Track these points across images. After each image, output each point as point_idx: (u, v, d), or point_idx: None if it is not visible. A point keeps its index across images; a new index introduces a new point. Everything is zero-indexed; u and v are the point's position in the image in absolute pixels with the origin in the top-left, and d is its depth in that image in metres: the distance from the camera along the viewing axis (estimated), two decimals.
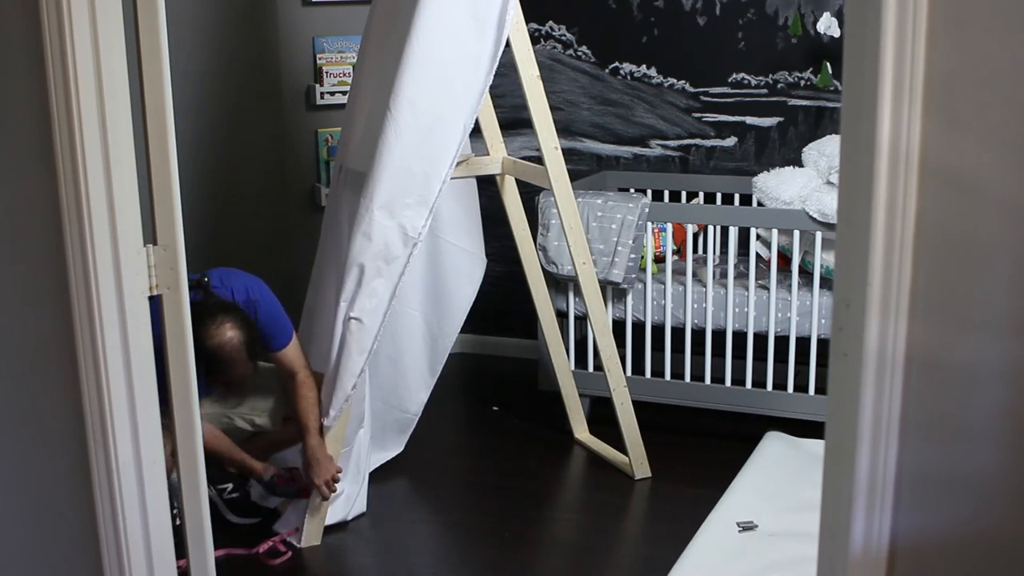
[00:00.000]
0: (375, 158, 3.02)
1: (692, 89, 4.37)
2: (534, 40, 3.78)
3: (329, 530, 3.25)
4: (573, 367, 3.97)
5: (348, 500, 3.33)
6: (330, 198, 3.53)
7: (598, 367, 3.76)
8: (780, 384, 3.78)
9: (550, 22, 4.52)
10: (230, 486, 3.32)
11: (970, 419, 1.42)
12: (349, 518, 3.35)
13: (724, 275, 3.85)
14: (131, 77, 1.97)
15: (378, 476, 3.58)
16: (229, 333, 2.94)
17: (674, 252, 4.13)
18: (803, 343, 3.76)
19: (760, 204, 3.85)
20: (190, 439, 2.19)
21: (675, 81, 4.39)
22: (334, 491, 3.17)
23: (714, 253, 4.10)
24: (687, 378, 3.88)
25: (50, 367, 2.05)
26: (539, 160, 3.40)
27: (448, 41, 3.01)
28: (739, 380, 3.84)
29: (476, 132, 3.65)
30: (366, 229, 3.03)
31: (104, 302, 1.96)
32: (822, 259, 3.63)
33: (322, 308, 3.37)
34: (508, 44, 3.24)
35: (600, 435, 3.91)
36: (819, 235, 3.60)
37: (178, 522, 2.48)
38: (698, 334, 3.89)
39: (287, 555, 3.15)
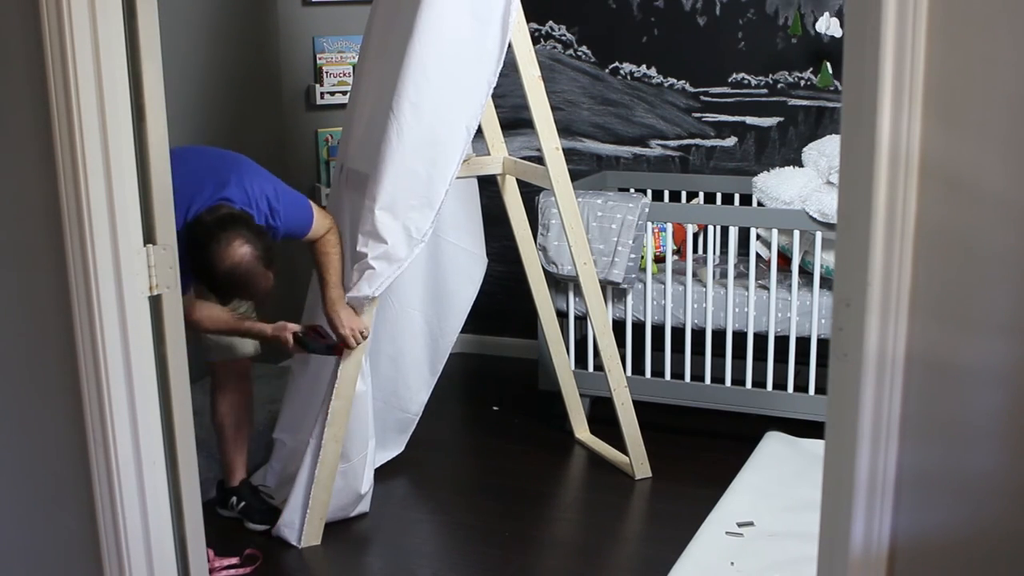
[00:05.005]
0: (378, 159, 3.02)
1: (692, 89, 4.37)
2: (534, 40, 3.78)
3: (329, 530, 3.25)
4: (573, 367, 3.97)
5: (351, 497, 3.33)
6: (331, 198, 3.52)
7: (598, 367, 3.76)
8: (780, 384, 3.77)
9: (550, 22, 4.52)
10: (234, 499, 3.32)
11: (970, 419, 1.42)
12: (352, 515, 3.36)
13: (724, 275, 3.85)
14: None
15: (378, 476, 3.57)
16: (240, 250, 2.71)
17: (674, 252, 4.13)
18: (803, 343, 3.76)
19: (760, 204, 3.85)
20: (187, 439, 2.19)
21: (675, 81, 4.39)
22: (360, 342, 3.09)
23: (714, 253, 4.10)
24: (687, 378, 3.88)
25: (50, 367, 2.05)
26: (539, 160, 3.40)
27: (451, 43, 3.01)
28: (739, 380, 3.84)
29: (477, 132, 3.64)
30: (369, 229, 3.04)
31: (104, 302, 1.96)
32: (822, 259, 3.63)
33: (321, 308, 3.37)
34: (508, 44, 3.23)
35: (600, 435, 3.91)
36: (819, 235, 3.60)
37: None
38: (698, 334, 3.89)
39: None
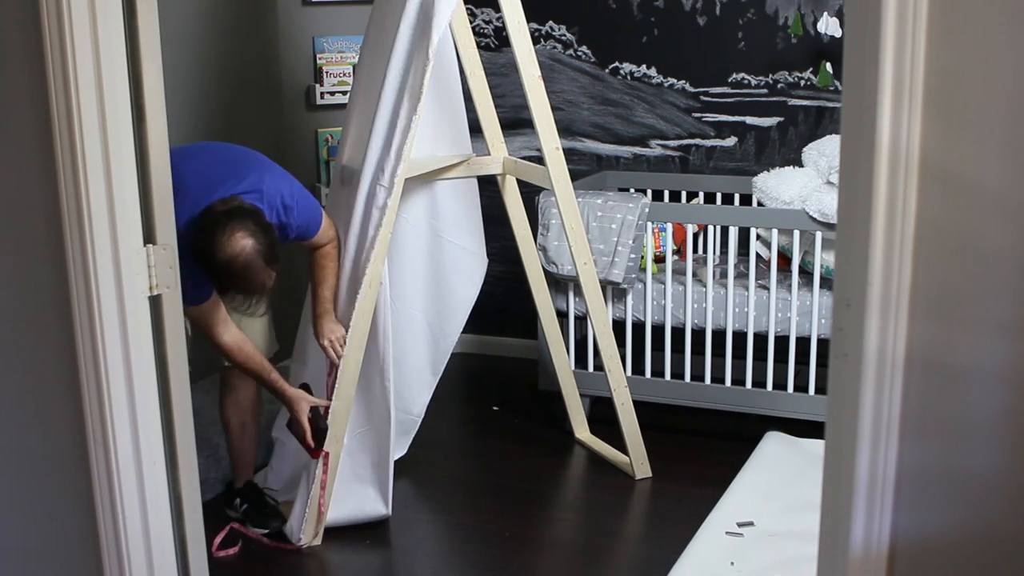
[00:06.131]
0: (365, 153, 3.11)
1: (692, 89, 4.37)
2: (534, 40, 3.79)
3: (329, 530, 3.25)
4: (573, 367, 3.97)
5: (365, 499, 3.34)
6: (330, 198, 3.53)
7: (598, 367, 3.76)
8: (780, 384, 3.77)
9: (550, 22, 4.52)
10: (237, 501, 3.32)
11: (970, 419, 1.42)
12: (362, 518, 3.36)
13: (724, 275, 3.85)
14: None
15: None
16: (241, 242, 2.71)
17: (674, 252, 4.13)
18: (803, 343, 3.76)
19: (760, 204, 3.85)
20: (187, 439, 2.19)
21: (675, 81, 4.39)
22: (340, 354, 3.13)
23: (714, 253, 4.10)
24: (687, 378, 3.88)
25: (50, 367, 2.05)
26: (540, 160, 3.40)
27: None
28: (739, 380, 3.84)
29: (477, 132, 3.65)
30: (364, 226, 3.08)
31: (104, 302, 1.96)
32: (822, 259, 3.63)
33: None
34: (509, 44, 3.25)
35: (600, 435, 3.91)
36: (819, 235, 3.60)
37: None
38: (698, 334, 3.89)
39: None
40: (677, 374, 3.93)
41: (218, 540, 3.15)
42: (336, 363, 3.15)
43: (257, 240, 2.75)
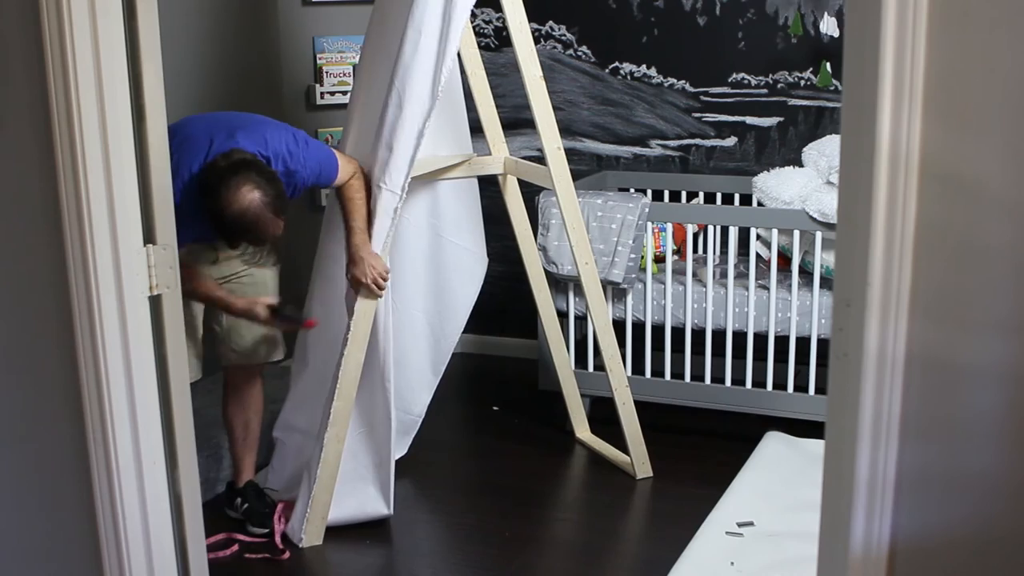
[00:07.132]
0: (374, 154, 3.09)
1: (692, 89, 4.37)
2: (534, 40, 3.78)
3: (330, 530, 3.25)
4: (574, 367, 3.97)
5: (366, 499, 3.34)
6: (330, 197, 3.52)
7: (599, 367, 3.76)
8: (780, 384, 3.77)
9: (550, 22, 4.52)
10: (238, 500, 3.32)
11: (970, 419, 1.42)
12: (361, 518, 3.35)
13: (724, 275, 3.85)
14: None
15: None
16: (248, 196, 2.72)
17: (674, 252, 4.13)
18: (803, 343, 3.76)
19: (760, 204, 3.85)
20: (187, 439, 2.19)
21: (675, 81, 4.39)
22: (383, 288, 3.11)
23: (714, 253, 4.10)
24: (687, 378, 3.88)
25: (50, 367, 2.05)
26: (540, 160, 3.40)
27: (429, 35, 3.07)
28: (739, 380, 3.84)
29: (478, 132, 3.65)
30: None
31: (104, 302, 1.96)
32: (822, 259, 3.63)
33: (321, 306, 3.38)
34: (509, 44, 3.25)
35: (601, 435, 3.91)
36: (819, 235, 3.60)
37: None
38: (698, 334, 3.89)
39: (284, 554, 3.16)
40: (677, 374, 3.93)
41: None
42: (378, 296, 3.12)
43: (264, 191, 2.76)
